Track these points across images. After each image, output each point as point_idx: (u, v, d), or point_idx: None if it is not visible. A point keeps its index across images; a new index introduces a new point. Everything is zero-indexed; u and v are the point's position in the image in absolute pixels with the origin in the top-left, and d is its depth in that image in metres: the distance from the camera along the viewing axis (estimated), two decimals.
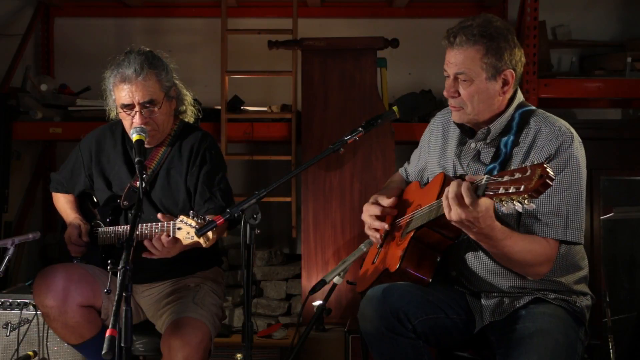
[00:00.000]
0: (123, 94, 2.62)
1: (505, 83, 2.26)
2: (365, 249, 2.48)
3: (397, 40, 4.03)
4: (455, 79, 2.27)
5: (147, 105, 2.62)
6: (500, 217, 2.07)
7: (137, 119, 2.62)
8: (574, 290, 2.33)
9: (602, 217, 4.14)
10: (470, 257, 2.33)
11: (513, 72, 2.25)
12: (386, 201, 2.47)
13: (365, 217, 2.50)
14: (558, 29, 4.74)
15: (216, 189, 2.70)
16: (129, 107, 2.63)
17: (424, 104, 2.39)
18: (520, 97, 2.34)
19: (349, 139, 2.29)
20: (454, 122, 2.38)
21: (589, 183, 4.25)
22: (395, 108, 2.39)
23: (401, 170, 2.77)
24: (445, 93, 2.30)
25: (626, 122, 4.72)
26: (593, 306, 2.40)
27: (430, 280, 2.29)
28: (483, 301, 2.34)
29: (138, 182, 2.37)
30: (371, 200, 2.52)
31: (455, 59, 2.25)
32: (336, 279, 2.36)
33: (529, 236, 2.15)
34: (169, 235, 2.43)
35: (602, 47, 4.66)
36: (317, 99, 4.04)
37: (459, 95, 2.27)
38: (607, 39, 4.74)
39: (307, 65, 4.06)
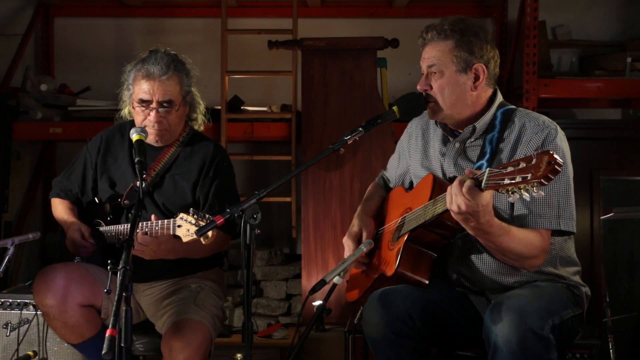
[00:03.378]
0: (144, 89, 2.65)
1: (476, 78, 2.30)
2: (365, 249, 2.48)
3: (397, 40, 4.03)
4: (428, 73, 2.33)
5: (165, 105, 2.67)
6: (494, 210, 2.08)
7: (152, 117, 2.65)
8: (573, 281, 2.36)
9: (602, 217, 4.13)
10: (472, 257, 2.33)
11: (484, 67, 2.29)
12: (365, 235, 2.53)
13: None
14: (558, 29, 4.74)
15: (226, 202, 2.73)
16: (147, 103, 2.66)
17: (424, 104, 2.39)
18: (500, 97, 2.39)
19: (349, 139, 2.29)
20: (435, 122, 2.43)
21: (589, 183, 4.27)
22: (395, 108, 2.39)
23: (378, 179, 2.78)
24: (418, 87, 2.35)
25: (626, 122, 4.71)
26: (593, 306, 2.41)
27: (427, 282, 2.29)
28: (490, 298, 2.34)
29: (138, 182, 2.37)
30: (350, 233, 2.56)
31: (428, 54, 2.33)
32: (336, 279, 2.35)
33: (523, 230, 2.18)
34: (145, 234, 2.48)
35: (602, 47, 4.66)
36: (317, 99, 4.04)
37: (431, 88, 2.32)
38: (607, 39, 4.74)
39: (307, 65, 4.06)
